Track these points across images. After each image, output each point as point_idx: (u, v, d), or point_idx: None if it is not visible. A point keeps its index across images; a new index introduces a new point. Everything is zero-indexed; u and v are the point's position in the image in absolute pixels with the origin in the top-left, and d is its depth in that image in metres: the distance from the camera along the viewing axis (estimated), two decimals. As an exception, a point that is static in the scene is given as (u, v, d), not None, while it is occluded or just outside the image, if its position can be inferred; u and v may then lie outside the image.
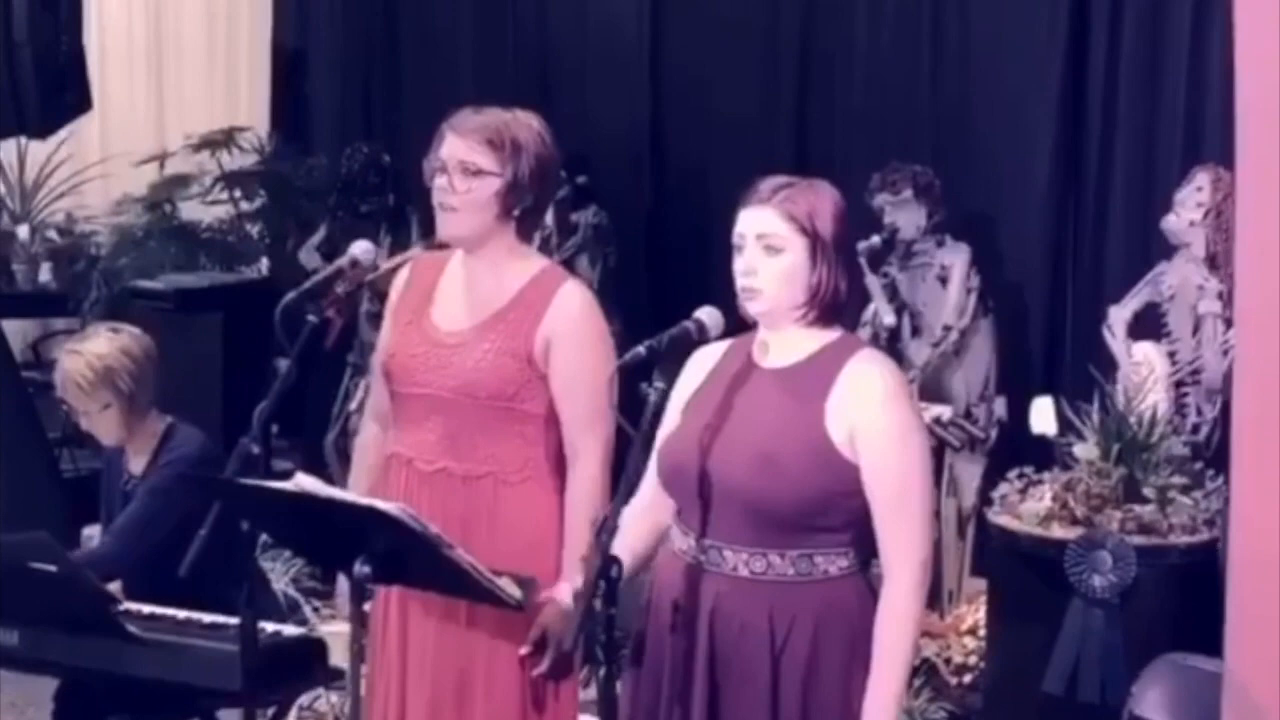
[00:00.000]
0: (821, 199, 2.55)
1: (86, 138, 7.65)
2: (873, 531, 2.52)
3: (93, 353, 3.55)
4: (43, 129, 5.76)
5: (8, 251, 7.76)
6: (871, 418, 2.49)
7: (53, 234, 8.13)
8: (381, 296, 5.80)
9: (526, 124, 2.90)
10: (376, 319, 5.91)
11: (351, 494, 2.69)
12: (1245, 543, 2.39)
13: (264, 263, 7.14)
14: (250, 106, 7.83)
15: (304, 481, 2.47)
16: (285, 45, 7.71)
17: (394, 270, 3.13)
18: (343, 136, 7.04)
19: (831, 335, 2.58)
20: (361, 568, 2.44)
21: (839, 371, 2.53)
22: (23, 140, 7.17)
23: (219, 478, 2.63)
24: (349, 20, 7.23)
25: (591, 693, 3.35)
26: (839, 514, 2.51)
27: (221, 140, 7.15)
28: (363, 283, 3.03)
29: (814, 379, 2.54)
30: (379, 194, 6.06)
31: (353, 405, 6.07)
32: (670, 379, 2.55)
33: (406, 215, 6.00)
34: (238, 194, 7.20)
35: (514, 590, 2.52)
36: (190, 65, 8.12)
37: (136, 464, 3.61)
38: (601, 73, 6.10)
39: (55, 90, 5.55)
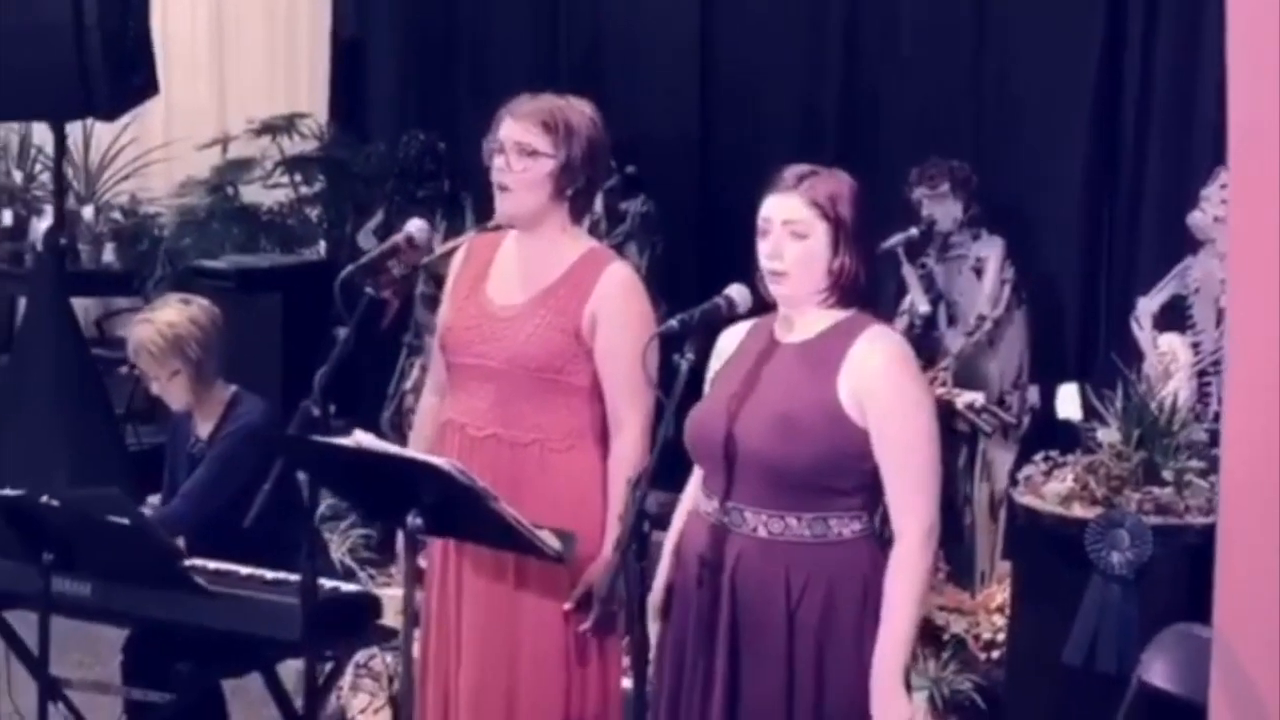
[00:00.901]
0: (842, 186, 2.73)
1: (150, 122, 7.87)
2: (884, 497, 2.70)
3: (164, 321, 3.75)
4: (110, 111, 5.96)
5: (74, 231, 8.00)
6: (879, 387, 2.67)
7: (117, 215, 8.37)
8: (436, 279, 6.04)
9: (580, 109, 3.08)
10: (431, 301, 6.14)
11: (407, 450, 2.89)
12: (1234, 511, 2.54)
13: (321, 245, 7.35)
14: (309, 93, 8.00)
15: (361, 438, 2.66)
16: (343, 34, 7.90)
17: (450, 253, 3.31)
18: (399, 124, 7.22)
19: (847, 313, 2.76)
20: (414, 520, 2.63)
21: (851, 345, 2.70)
22: (88, 123, 7.40)
23: (284, 434, 2.83)
24: (407, 10, 7.39)
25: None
26: (851, 477, 2.68)
27: (283, 126, 7.35)
28: (418, 265, 3.21)
29: (828, 351, 2.72)
30: (435, 180, 6.27)
31: (407, 384, 6.25)
32: (700, 350, 2.73)
33: (461, 200, 6.18)
34: (297, 178, 7.40)
35: (554, 542, 2.70)
36: (251, 53, 8.31)
37: (203, 428, 3.81)
38: (651, 64, 6.26)
39: (123, 73, 5.74)
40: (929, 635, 4.45)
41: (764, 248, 2.75)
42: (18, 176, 8.68)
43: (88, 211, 8.13)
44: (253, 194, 7.52)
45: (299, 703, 3.86)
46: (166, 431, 3.99)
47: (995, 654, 4.47)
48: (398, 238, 3.11)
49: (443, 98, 7.19)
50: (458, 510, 2.66)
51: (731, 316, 2.77)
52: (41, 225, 8.47)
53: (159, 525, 3.57)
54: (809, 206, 2.72)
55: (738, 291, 2.75)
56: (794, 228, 2.73)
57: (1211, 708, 2.61)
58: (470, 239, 3.27)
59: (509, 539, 2.72)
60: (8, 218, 8.64)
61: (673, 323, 2.67)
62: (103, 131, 7.89)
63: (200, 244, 7.24)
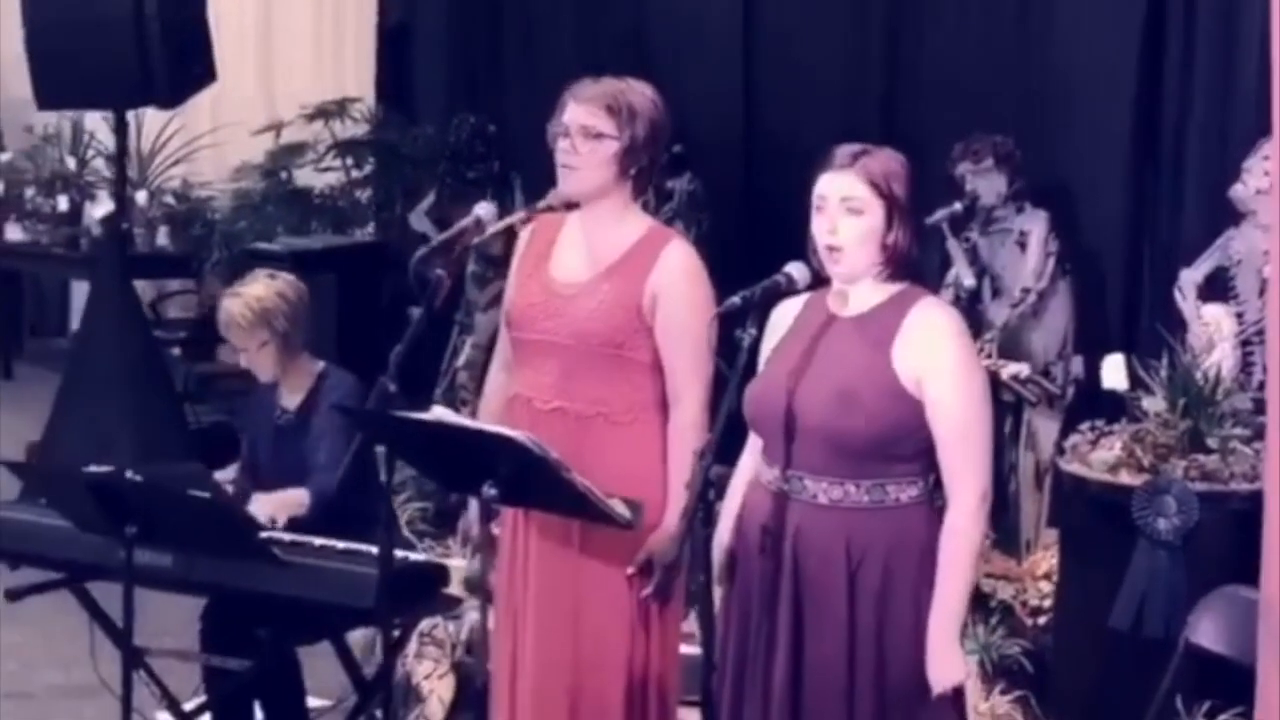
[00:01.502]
0: (895, 164, 2.83)
1: (198, 108, 7.99)
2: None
3: (252, 295, 3.90)
4: (170, 99, 6.10)
5: (129, 216, 8.16)
6: (933, 358, 2.77)
7: (169, 199, 8.52)
8: (487, 259, 6.20)
9: (641, 92, 3.19)
10: (481, 280, 6.29)
11: (482, 423, 3.01)
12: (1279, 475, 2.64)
13: (371, 227, 7.49)
14: (355, 78, 8.13)
15: (441, 413, 2.79)
16: (390, 19, 8.01)
17: (504, 231, 3.41)
18: (447, 107, 7.35)
19: (899, 286, 2.86)
20: (489, 490, 2.75)
21: (904, 317, 2.81)
22: (140, 110, 7.53)
23: (368, 410, 2.96)
24: (452, -5, 7.51)
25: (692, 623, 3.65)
26: (908, 445, 2.79)
27: (334, 110, 7.50)
28: (469, 245, 3.33)
29: (883, 324, 2.83)
30: (485, 161, 6.40)
31: (459, 361, 6.39)
32: (761, 326, 2.84)
33: (510, 181, 6.31)
34: (349, 161, 7.54)
35: (624, 511, 2.82)
36: (298, 39, 8.44)
37: (290, 400, 3.94)
38: (696, 45, 6.34)
39: (182, 62, 5.88)
40: (976, 602, 4.53)
41: (820, 224, 2.86)
42: (71, 163, 8.84)
43: (141, 196, 8.27)
44: (305, 178, 7.67)
45: (366, 670, 4.03)
46: (240, 407, 4.11)
47: (1042, 620, 4.56)
48: (468, 220, 3.22)
49: (489, 81, 7.30)
50: (531, 481, 2.78)
51: (790, 291, 2.88)
52: (96, 211, 8.64)
53: (318, 499, 3.66)
54: (864, 184, 2.83)
55: (797, 269, 2.85)
56: (850, 204, 2.84)
57: (1260, 668, 2.70)
58: (520, 217, 3.35)
59: (581, 508, 2.84)
60: (63, 203, 8.81)
61: (735, 299, 2.78)
62: (151, 119, 8.02)
63: (255, 227, 7.40)
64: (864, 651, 2.80)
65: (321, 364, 3.97)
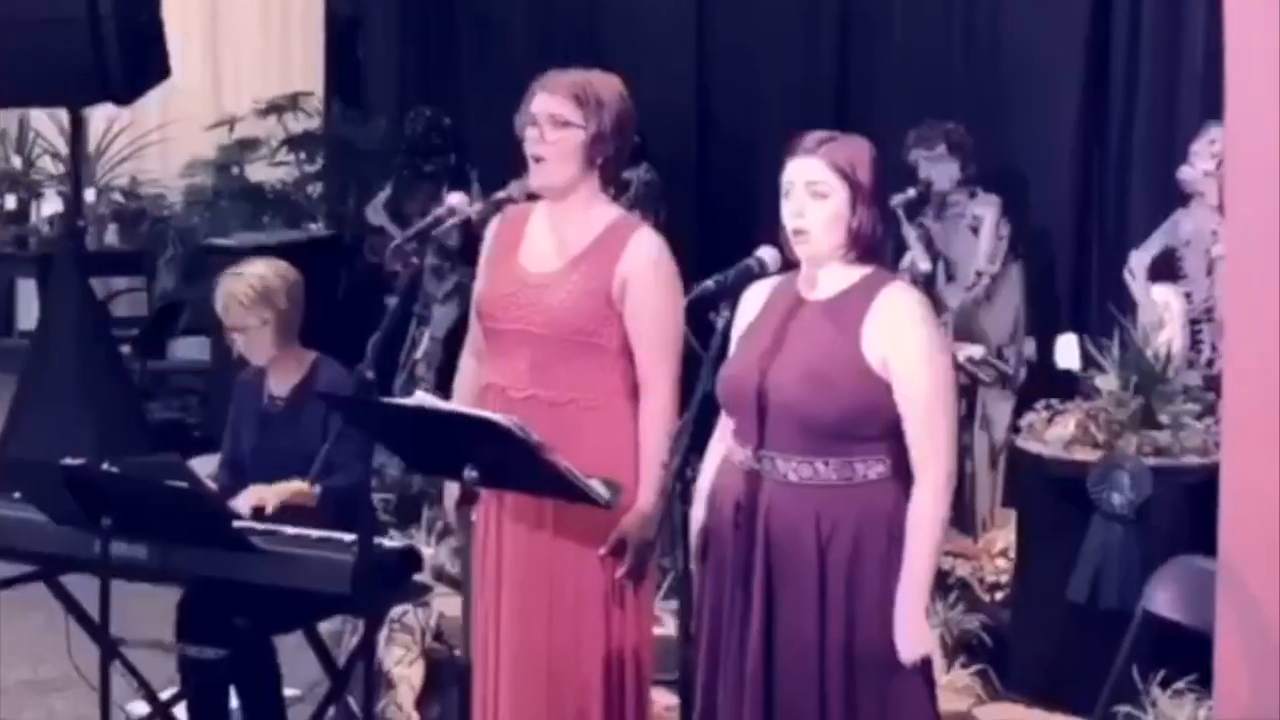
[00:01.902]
0: (860, 150, 2.91)
1: (146, 105, 7.97)
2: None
3: (254, 274, 3.96)
4: (126, 96, 6.11)
5: (84, 213, 8.14)
6: (900, 341, 2.86)
7: (118, 197, 8.50)
8: (444, 251, 6.23)
9: (608, 82, 3.25)
10: (439, 272, 6.33)
11: (465, 407, 3.07)
12: (1237, 445, 2.74)
13: (324, 221, 7.51)
14: (304, 72, 8.15)
15: (423, 398, 2.84)
16: (338, 12, 8.03)
17: (462, 224, 3.45)
18: (399, 101, 7.38)
19: (867, 270, 2.94)
20: (470, 473, 2.81)
21: (872, 301, 2.89)
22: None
23: (352, 397, 3.01)
24: (404, -11, 7.54)
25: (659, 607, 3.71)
26: (875, 425, 2.88)
27: (286, 105, 7.52)
28: (428, 237, 3.37)
29: (851, 308, 2.91)
30: (441, 154, 6.42)
31: (418, 353, 6.44)
32: (734, 309, 2.91)
33: (467, 174, 6.34)
34: (301, 156, 7.56)
35: (604, 491, 2.88)
36: (245, 34, 8.44)
37: (280, 387, 3.98)
38: (648, 35, 6.41)
39: (137, 59, 5.91)
40: (935, 579, 4.63)
41: (787, 208, 2.93)
42: (17, 162, 8.81)
43: (89, 194, 8.25)
44: (258, 173, 7.68)
45: (336, 658, 4.08)
46: (235, 386, 4.11)
47: (999, 595, 4.67)
48: (440, 210, 3.27)
49: (442, 74, 7.34)
50: (513, 463, 2.84)
51: (762, 275, 2.95)
52: (44, 209, 8.61)
53: (346, 497, 3.68)
54: (829, 169, 2.90)
55: (768, 253, 2.93)
56: (815, 189, 2.91)
57: (1219, 632, 2.80)
58: (489, 207, 3.39)
59: (562, 489, 2.90)
60: (10, 202, 8.77)
61: (709, 283, 2.85)
62: (98, 116, 8.01)
63: (208, 222, 7.41)
64: (834, 624, 2.88)
65: (314, 354, 4.02)
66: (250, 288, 3.93)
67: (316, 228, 7.41)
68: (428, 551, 4.64)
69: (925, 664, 2.94)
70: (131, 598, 3.80)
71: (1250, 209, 2.63)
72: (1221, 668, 2.77)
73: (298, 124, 7.54)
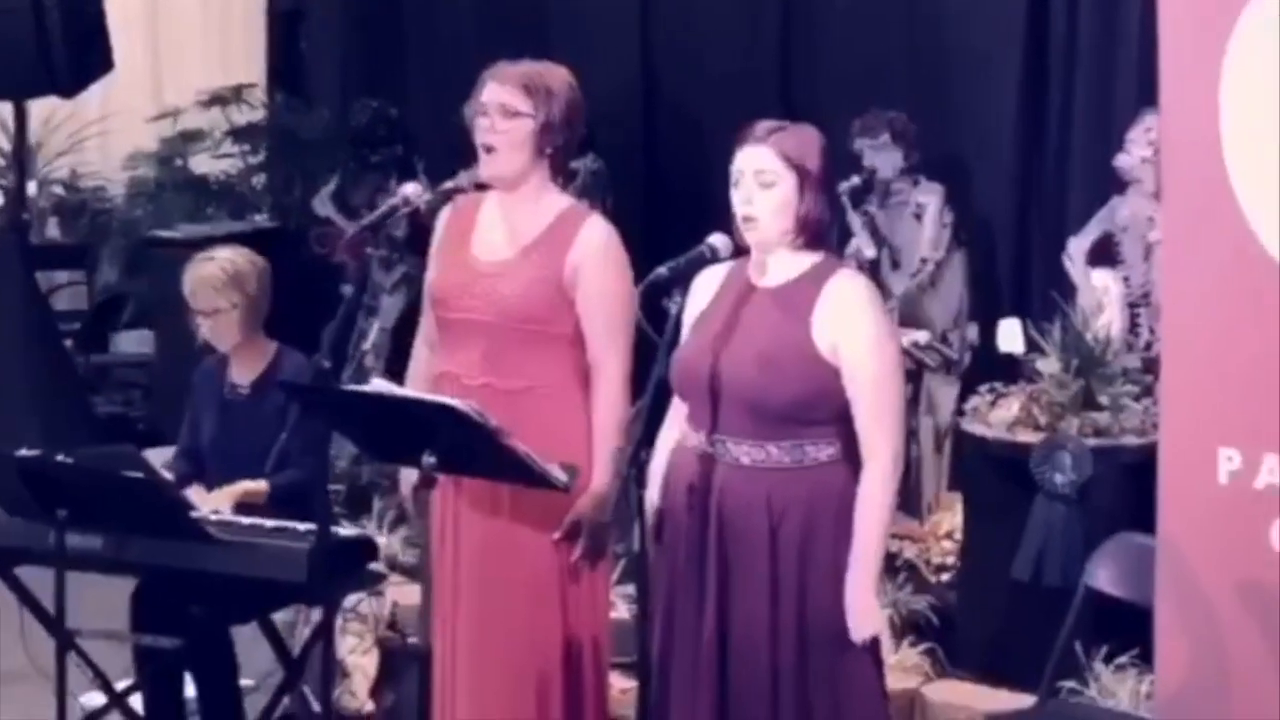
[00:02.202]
0: (808, 139, 2.97)
1: (85, 97, 7.93)
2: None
3: (225, 258, 4.01)
4: (71, 88, 6.11)
5: (28, 206, 8.07)
6: (850, 328, 2.93)
7: (58, 189, 8.44)
8: (391, 242, 6.24)
9: (557, 73, 3.30)
10: (387, 263, 6.34)
11: (423, 394, 3.11)
12: (1174, 424, 2.82)
13: (269, 212, 7.49)
14: (246, 64, 8.11)
15: (380, 385, 2.88)
16: (279, 3, 8.00)
17: (409, 215, 3.48)
18: (342, 92, 7.36)
19: (815, 257, 3.01)
20: (428, 459, 2.85)
21: (822, 288, 2.96)
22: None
23: (310, 385, 3.04)
24: (347, -21, 7.52)
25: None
26: (825, 410, 2.95)
27: (230, 97, 7.49)
28: (373, 228, 3.41)
29: (802, 295, 2.97)
30: (388, 145, 6.43)
31: (366, 344, 6.44)
32: (686, 295, 2.97)
33: (414, 164, 6.36)
34: (245, 147, 7.54)
35: (561, 474, 2.93)
36: (186, 25, 8.38)
37: (242, 376, 4.00)
38: (596, 26, 6.43)
39: (81, 50, 5.91)
40: (884, 561, 4.72)
41: (737, 196, 3.00)
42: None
43: (30, 187, 8.18)
44: (201, 164, 7.64)
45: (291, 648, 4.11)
46: (196, 375, 4.13)
47: (945, 577, 4.74)
48: (395, 200, 3.30)
49: (386, 65, 7.32)
50: (471, 448, 2.88)
51: (714, 262, 3.01)
52: (-18, 202, 8.52)
53: (301, 490, 3.69)
54: (777, 157, 2.96)
55: (720, 240, 2.99)
56: (762, 178, 2.97)
57: (1158, 606, 2.88)
58: (430, 198, 3.42)
59: (520, 473, 2.95)
60: (-51, 195, 8.68)
61: (662, 270, 2.91)
62: (37, 109, 7.94)
63: (152, 214, 7.37)
64: (786, 602, 2.94)
65: (276, 344, 4.04)
66: (221, 270, 3.97)
67: (261, 219, 7.37)
68: (380, 540, 4.68)
69: (875, 643, 3.02)
70: (85, 588, 3.82)
71: (1184, 195, 2.71)
72: (1161, 641, 2.85)
73: (241, 115, 7.50)
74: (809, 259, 3.01)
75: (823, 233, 3.01)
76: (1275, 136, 2.56)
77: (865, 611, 2.97)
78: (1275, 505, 2.63)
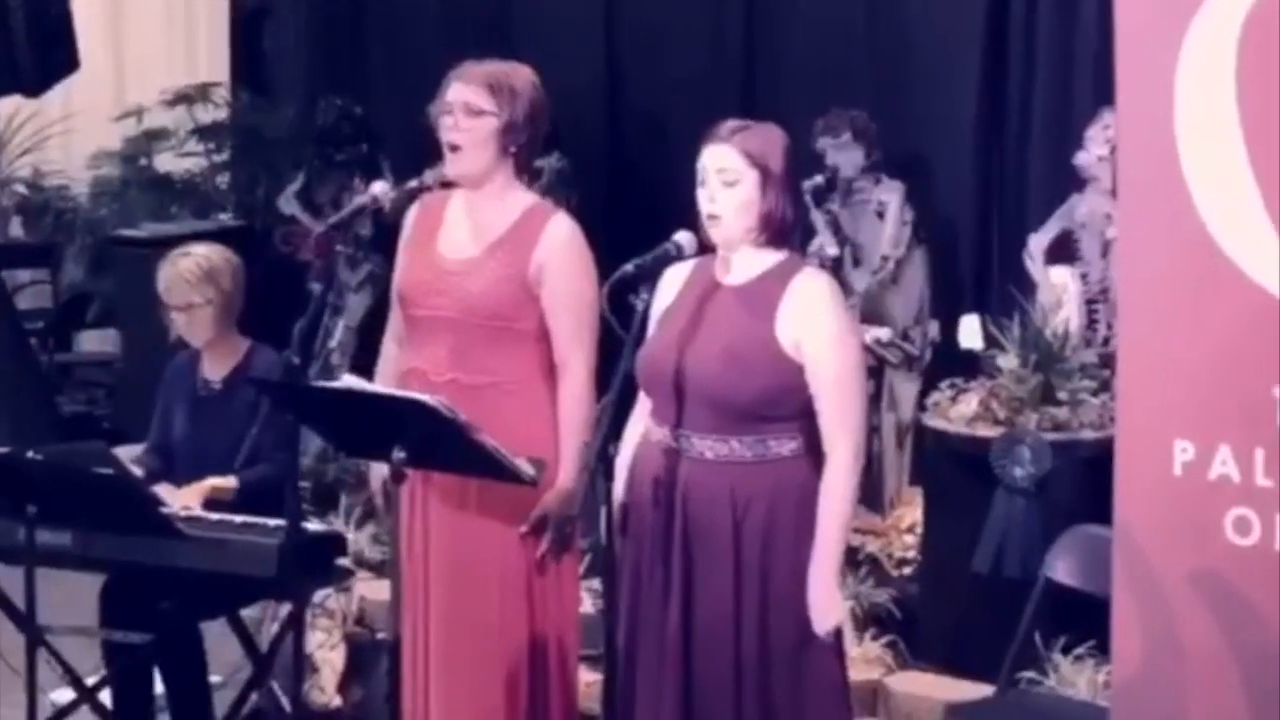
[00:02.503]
0: (771, 138, 3.03)
1: (49, 96, 7.92)
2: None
3: (201, 254, 4.04)
4: (36, 88, 6.12)
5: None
6: (813, 325, 2.98)
7: (21, 188, 8.41)
8: (357, 240, 6.26)
9: (521, 73, 3.35)
10: (353, 261, 6.37)
11: (393, 389, 3.14)
12: (1130, 419, 2.89)
13: (234, 211, 7.50)
14: (210, 62, 8.11)
15: (350, 380, 2.92)
16: (243, 1, 8.01)
17: (374, 213, 3.53)
18: (307, 91, 7.38)
19: (780, 256, 3.06)
20: (398, 454, 2.89)
21: (786, 287, 3.01)
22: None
23: (281, 381, 3.07)
24: (311, -22, 7.54)
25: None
26: (788, 405, 3.00)
27: (194, 95, 7.50)
28: (342, 226, 3.45)
29: (765, 293, 3.03)
30: (353, 143, 6.45)
31: (332, 342, 6.47)
32: (653, 292, 3.01)
33: (379, 163, 6.39)
34: (210, 146, 7.54)
35: (529, 469, 2.98)
36: (150, 23, 8.37)
37: (214, 372, 4.03)
38: (560, 26, 6.48)
39: (47, 51, 5.92)
40: (845, 555, 4.77)
41: (702, 194, 3.05)
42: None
43: (-8, 187, 8.16)
44: (166, 163, 7.64)
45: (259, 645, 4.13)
46: (168, 370, 4.15)
47: (907, 570, 4.82)
48: (363, 199, 3.34)
49: (351, 64, 7.34)
50: (440, 443, 2.92)
51: (679, 259, 3.05)
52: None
53: (271, 484, 3.71)
54: (740, 156, 3.01)
55: (685, 237, 3.04)
56: (725, 176, 3.02)
57: (1115, 597, 2.94)
58: (395, 196, 3.46)
59: (488, 468, 2.99)
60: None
61: (628, 267, 2.95)
62: (0, 106, 7.92)
63: (117, 213, 7.37)
64: (749, 592, 3.00)
65: (249, 341, 4.07)
66: (197, 265, 4.00)
67: (226, 218, 7.39)
68: (348, 537, 4.70)
69: (837, 634, 3.07)
70: (54, 585, 3.83)
71: (1140, 192, 2.77)
72: (1117, 629, 2.91)
73: (206, 114, 7.51)
74: (773, 257, 3.06)
75: (786, 231, 3.06)
76: (1229, 134, 2.62)
77: (827, 603, 3.03)
78: (1228, 495, 2.69)
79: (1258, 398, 2.63)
